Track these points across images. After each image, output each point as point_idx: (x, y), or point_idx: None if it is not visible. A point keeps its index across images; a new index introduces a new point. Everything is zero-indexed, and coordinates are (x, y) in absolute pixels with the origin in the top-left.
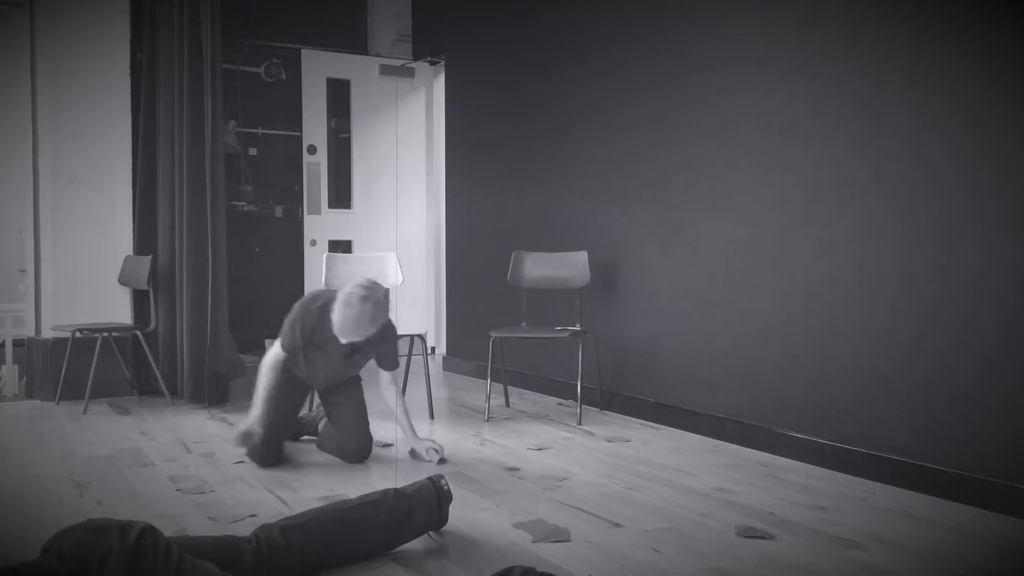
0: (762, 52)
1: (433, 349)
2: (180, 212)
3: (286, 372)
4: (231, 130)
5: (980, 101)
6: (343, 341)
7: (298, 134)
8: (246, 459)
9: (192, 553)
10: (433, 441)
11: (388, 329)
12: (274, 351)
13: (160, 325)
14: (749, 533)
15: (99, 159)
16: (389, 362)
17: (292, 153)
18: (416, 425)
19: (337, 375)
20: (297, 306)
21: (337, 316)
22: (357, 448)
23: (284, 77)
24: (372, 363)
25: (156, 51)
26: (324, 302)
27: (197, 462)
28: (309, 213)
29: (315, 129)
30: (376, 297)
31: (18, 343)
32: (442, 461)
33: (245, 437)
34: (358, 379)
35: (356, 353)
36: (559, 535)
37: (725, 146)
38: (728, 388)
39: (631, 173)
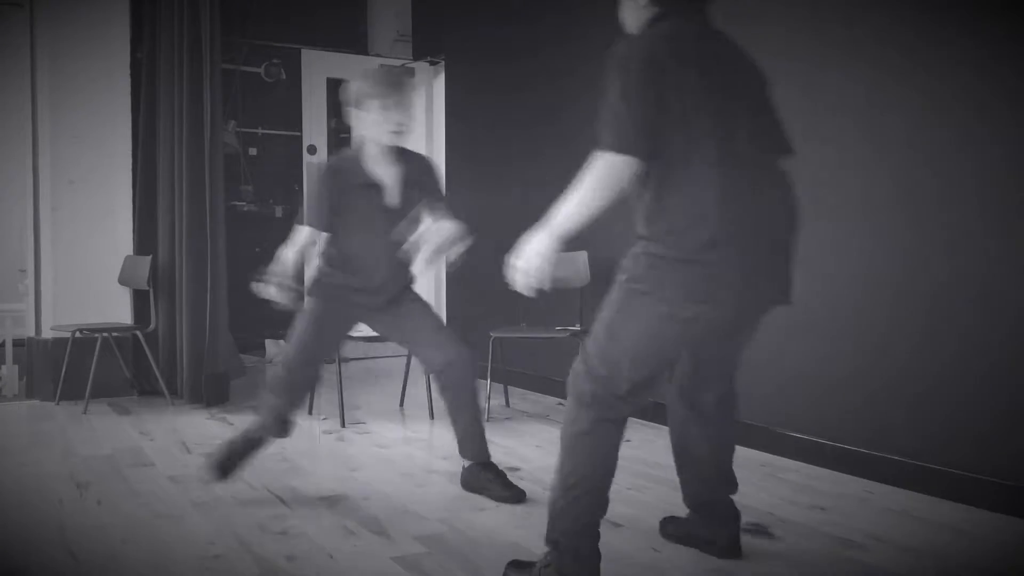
0: (762, 53)
1: None
2: (180, 212)
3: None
4: (231, 130)
5: (987, 97)
6: (385, 142)
7: (298, 134)
8: None
9: None
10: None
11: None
12: (297, 237)
13: (160, 325)
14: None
15: (99, 159)
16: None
17: (292, 153)
18: (416, 424)
19: (389, 245)
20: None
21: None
22: (458, 353)
23: (284, 77)
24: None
25: (156, 51)
26: (349, 153)
27: (197, 462)
28: None
29: (315, 129)
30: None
31: (18, 343)
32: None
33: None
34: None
35: (408, 187)
36: None
37: None
38: None
39: None
